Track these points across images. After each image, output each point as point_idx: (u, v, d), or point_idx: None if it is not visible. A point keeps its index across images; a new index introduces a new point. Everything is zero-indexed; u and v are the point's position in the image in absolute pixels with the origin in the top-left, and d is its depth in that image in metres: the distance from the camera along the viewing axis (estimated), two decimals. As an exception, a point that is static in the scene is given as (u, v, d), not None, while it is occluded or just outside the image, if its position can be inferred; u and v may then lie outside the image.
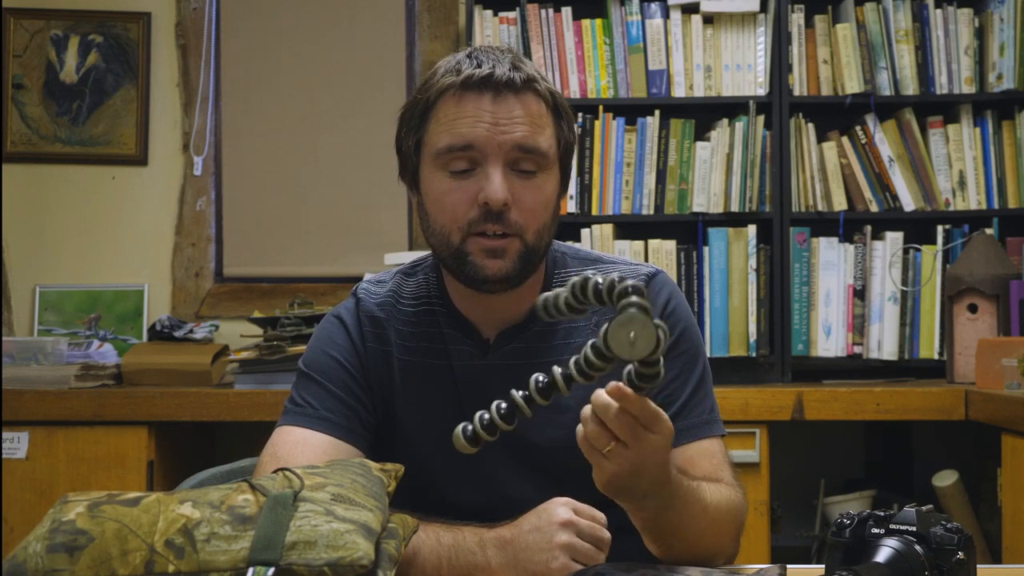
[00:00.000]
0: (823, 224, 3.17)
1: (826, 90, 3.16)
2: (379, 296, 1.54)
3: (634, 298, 1.09)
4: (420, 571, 1.29)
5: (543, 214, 1.42)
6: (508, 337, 1.48)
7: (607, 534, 1.28)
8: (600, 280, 1.11)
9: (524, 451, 1.46)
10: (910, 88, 3.15)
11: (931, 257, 3.12)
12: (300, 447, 1.43)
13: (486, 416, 1.16)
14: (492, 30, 3.18)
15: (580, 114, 3.11)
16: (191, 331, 3.21)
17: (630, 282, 1.10)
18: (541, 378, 1.17)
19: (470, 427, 1.16)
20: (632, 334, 1.09)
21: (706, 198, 3.14)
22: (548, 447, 1.45)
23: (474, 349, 1.48)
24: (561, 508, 1.27)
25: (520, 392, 1.16)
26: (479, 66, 1.40)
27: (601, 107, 3.13)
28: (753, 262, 3.09)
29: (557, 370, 1.17)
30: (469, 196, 1.39)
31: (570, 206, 3.14)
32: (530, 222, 1.41)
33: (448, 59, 1.45)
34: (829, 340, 3.13)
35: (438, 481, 1.48)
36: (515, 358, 1.46)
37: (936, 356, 3.11)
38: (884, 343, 3.12)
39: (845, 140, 3.16)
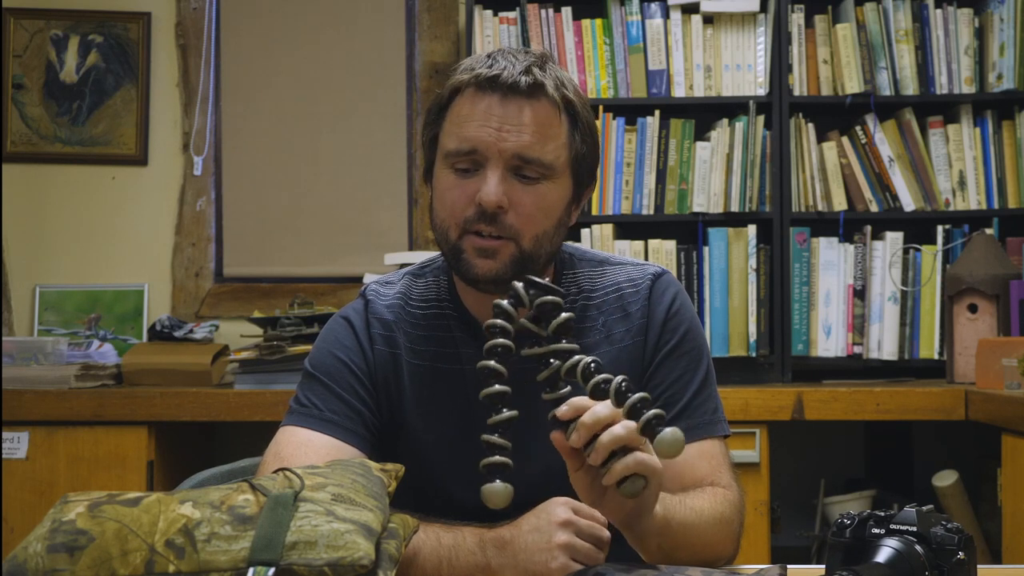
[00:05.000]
0: (823, 224, 3.17)
1: (826, 90, 3.16)
2: (388, 298, 1.54)
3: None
4: (420, 571, 1.29)
5: (543, 220, 1.42)
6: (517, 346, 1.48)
7: (607, 533, 1.28)
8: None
9: (524, 455, 1.46)
10: (910, 88, 3.15)
11: (931, 257, 3.12)
12: (304, 448, 1.43)
13: (495, 456, 1.20)
14: (492, 30, 3.18)
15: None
16: (191, 331, 3.21)
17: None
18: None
19: (497, 480, 1.19)
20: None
21: (706, 198, 3.14)
22: (549, 453, 1.44)
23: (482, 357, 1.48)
24: (560, 508, 1.27)
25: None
26: (491, 67, 1.41)
27: (601, 107, 3.13)
28: (753, 262, 3.09)
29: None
30: (468, 195, 1.40)
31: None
32: (526, 227, 1.41)
33: (472, 57, 1.47)
34: (829, 340, 3.13)
35: (444, 483, 1.48)
36: (527, 361, 1.46)
37: (936, 356, 3.11)
38: (884, 343, 3.12)
39: (845, 140, 3.16)
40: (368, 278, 3.18)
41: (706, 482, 1.43)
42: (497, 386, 1.20)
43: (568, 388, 1.22)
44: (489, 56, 1.43)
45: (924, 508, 1.14)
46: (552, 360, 1.21)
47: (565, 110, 1.43)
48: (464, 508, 1.42)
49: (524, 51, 1.45)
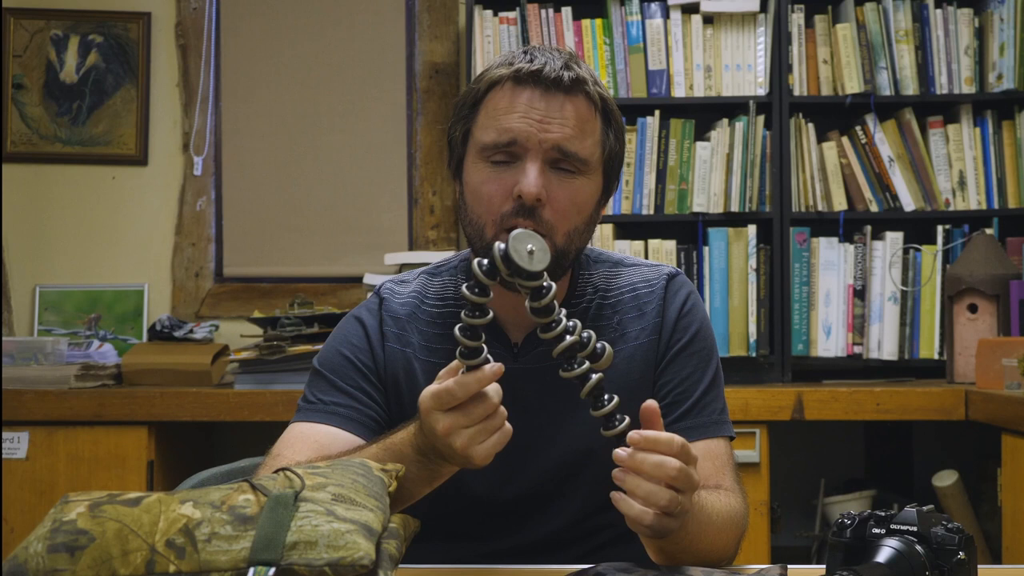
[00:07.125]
0: (823, 224, 3.17)
1: (826, 90, 3.16)
2: (403, 296, 1.55)
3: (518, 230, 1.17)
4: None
5: (575, 217, 1.43)
6: (537, 340, 1.47)
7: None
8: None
9: (541, 449, 1.46)
10: (910, 88, 3.15)
11: (931, 257, 3.12)
12: (300, 441, 1.44)
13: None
14: (492, 30, 3.18)
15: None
16: (191, 331, 3.21)
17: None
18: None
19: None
20: (529, 246, 1.16)
21: (706, 198, 3.14)
22: (565, 447, 1.46)
23: (503, 351, 1.47)
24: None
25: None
26: (531, 61, 1.41)
27: (601, 107, 3.12)
28: (753, 262, 3.09)
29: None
30: (506, 187, 1.41)
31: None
32: (561, 223, 1.41)
33: (505, 53, 1.47)
34: (829, 340, 3.13)
35: (460, 474, 1.48)
36: (544, 360, 1.45)
37: (936, 356, 3.11)
38: (884, 343, 3.12)
39: (845, 140, 3.16)
40: (368, 278, 3.18)
41: (710, 483, 1.43)
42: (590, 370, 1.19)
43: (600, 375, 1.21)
44: (526, 52, 1.44)
45: (924, 508, 1.14)
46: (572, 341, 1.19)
47: (601, 108, 1.45)
48: (478, 499, 1.42)
49: (556, 48, 1.46)
